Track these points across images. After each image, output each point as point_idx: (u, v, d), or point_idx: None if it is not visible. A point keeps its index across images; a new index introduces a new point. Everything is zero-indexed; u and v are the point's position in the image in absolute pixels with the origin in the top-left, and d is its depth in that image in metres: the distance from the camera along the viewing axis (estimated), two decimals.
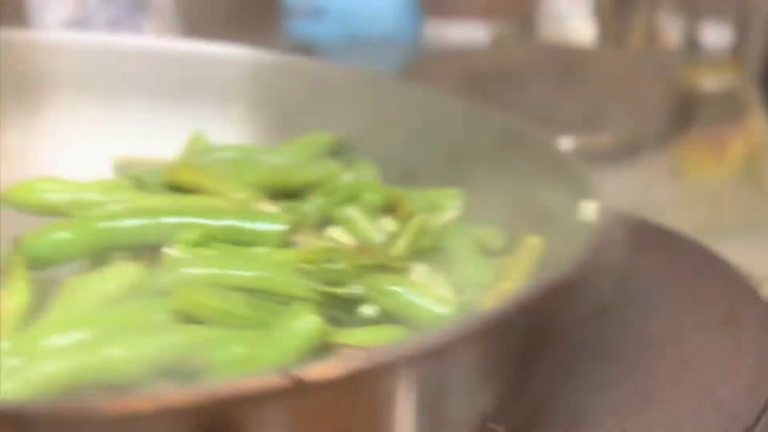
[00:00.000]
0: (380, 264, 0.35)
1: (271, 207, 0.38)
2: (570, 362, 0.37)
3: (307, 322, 0.30)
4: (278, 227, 0.36)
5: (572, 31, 0.82)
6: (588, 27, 0.82)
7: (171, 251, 0.34)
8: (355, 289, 0.34)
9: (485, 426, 0.29)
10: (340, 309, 0.34)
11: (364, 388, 0.26)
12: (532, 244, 0.38)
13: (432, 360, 0.26)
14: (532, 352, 0.31)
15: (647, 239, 0.45)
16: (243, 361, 0.29)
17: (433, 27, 0.86)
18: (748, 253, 0.48)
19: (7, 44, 0.54)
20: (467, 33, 0.85)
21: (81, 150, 0.53)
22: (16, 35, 0.55)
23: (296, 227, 0.36)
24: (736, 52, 0.72)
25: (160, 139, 0.53)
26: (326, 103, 0.55)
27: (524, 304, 0.29)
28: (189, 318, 0.32)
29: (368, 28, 0.81)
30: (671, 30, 0.74)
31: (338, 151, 0.49)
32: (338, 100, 0.53)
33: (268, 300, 0.33)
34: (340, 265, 0.34)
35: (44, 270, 0.35)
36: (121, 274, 0.34)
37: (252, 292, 0.33)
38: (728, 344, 0.40)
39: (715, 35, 0.72)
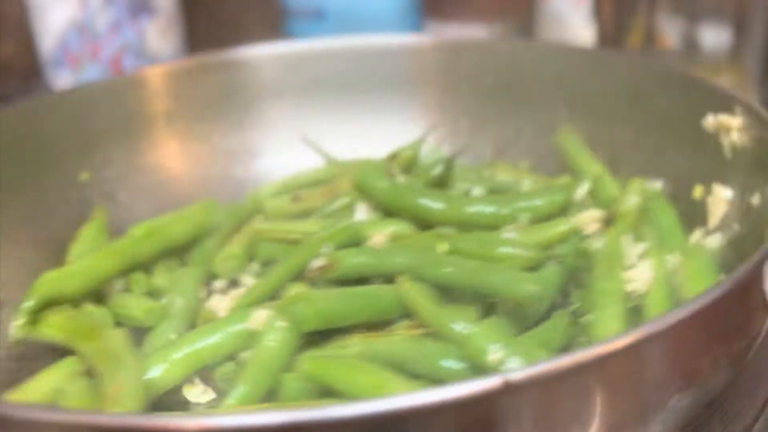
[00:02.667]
0: None
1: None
2: None
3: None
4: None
5: (572, 31, 0.82)
6: (588, 27, 0.82)
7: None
8: None
9: None
10: None
11: None
12: None
13: None
14: None
15: None
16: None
17: (434, 27, 0.86)
18: None
19: (209, 66, 0.62)
20: (467, 33, 0.86)
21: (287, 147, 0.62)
22: (218, 56, 0.63)
23: None
24: (735, 53, 0.72)
25: (357, 133, 0.62)
26: (526, 83, 0.59)
27: None
28: None
29: (368, 28, 0.81)
30: (670, 31, 0.74)
31: None
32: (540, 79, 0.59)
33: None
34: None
35: None
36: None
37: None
38: None
39: (714, 36, 0.72)
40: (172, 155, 0.61)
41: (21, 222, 0.51)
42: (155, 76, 0.61)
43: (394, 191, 0.49)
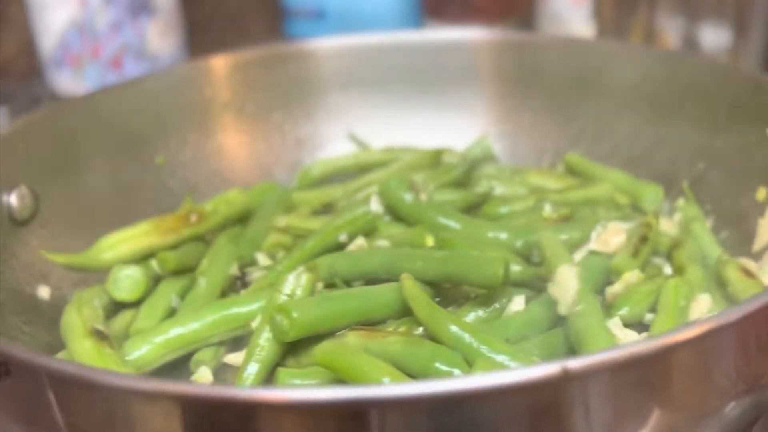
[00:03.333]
0: None
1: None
2: None
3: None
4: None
5: (572, 31, 0.83)
6: (588, 27, 0.82)
7: None
8: None
9: None
10: None
11: None
12: None
13: None
14: None
15: None
16: None
17: (433, 27, 0.86)
18: None
19: (280, 56, 0.63)
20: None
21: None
22: (288, 47, 0.65)
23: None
24: (735, 53, 0.73)
25: (417, 125, 0.63)
26: (590, 80, 0.59)
27: None
28: None
29: (368, 28, 0.81)
30: (670, 31, 0.74)
31: None
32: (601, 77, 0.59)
33: None
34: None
35: None
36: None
37: None
38: None
39: (714, 36, 0.73)
40: (242, 142, 0.62)
41: (98, 201, 0.53)
42: (226, 65, 0.62)
43: (416, 208, 0.50)
